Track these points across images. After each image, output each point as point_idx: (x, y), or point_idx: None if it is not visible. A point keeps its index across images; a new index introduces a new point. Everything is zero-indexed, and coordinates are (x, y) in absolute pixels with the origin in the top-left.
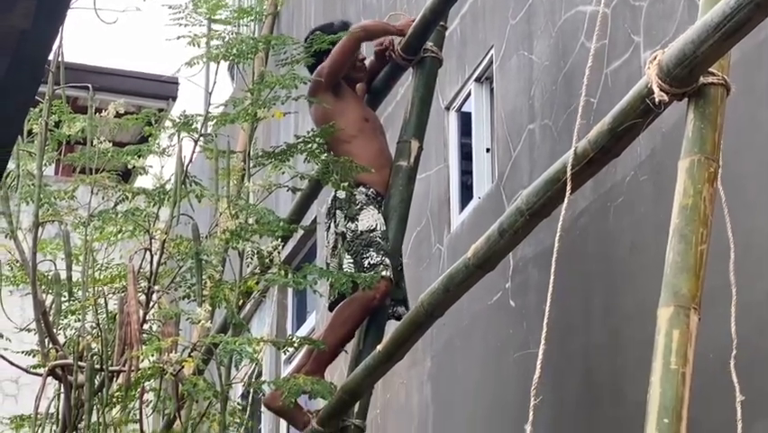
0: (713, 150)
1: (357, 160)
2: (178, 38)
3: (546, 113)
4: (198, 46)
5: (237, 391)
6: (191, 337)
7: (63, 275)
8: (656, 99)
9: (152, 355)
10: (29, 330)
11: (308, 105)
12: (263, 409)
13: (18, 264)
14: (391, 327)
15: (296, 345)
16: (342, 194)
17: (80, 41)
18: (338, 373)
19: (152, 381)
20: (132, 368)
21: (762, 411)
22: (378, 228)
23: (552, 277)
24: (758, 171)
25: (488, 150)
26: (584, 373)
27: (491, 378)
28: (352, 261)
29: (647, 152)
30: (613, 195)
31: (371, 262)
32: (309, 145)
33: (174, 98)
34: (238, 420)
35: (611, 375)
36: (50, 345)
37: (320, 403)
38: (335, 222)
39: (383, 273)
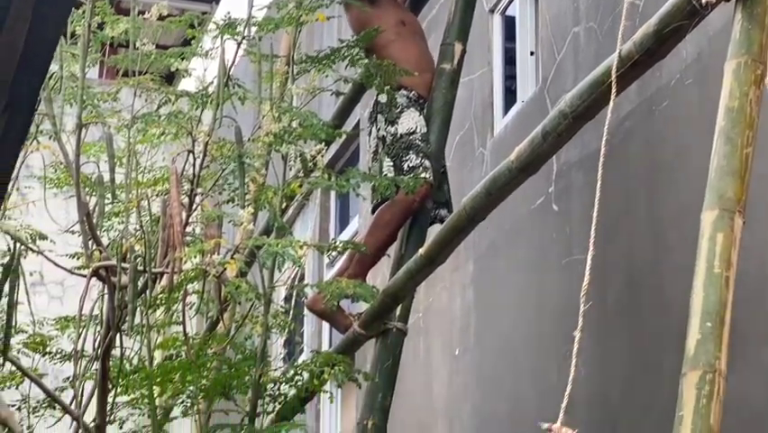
0: (760, 51)
1: (397, 63)
2: None
3: (591, 15)
4: None
5: (280, 294)
6: (234, 240)
7: (106, 177)
8: (703, 0)
9: (195, 257)
10: (73, 232)
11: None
12: (306, 311)
13: (62, 166)
14: (434, 231)
15: (339, 249)
16: (383, 97)
17: None
18: (380, 276)
19: (195, 283)
20: (176, 270)
21: None
22: (418, 131)
23: (599, 181)
24: None
25: (531, 53)
26: (627, 277)
27: (534, 283)
28: (391, 164)
29: (693, 55)
30: (658, 98)
31: (411, 165)
32: (352, 50)
33: (217, 1)
34: (281, 323)
35: (655, 279)
36: (94, 247)
37: (362, 306)
38: (377, 126)
39: (423, 176)
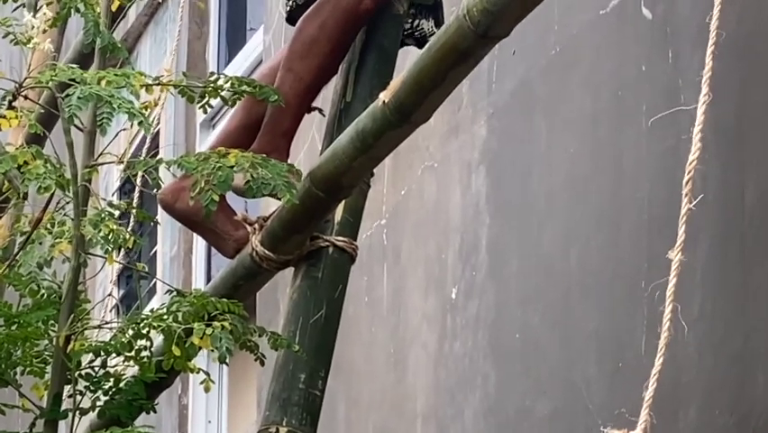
0: None
1: None
2: None
3: None
4: None
5: (109, 179)
6: (19, 72)
7: None
8: None
9: None
10: None
11: None
12: (160, 212)
13: None
14: (410, 59)
15: (225, 92)
16: None
17: None
18: (306, 146)
19: None
20: None
21: None
22: None
23: None
24: None
25: None
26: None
27: (606, 152)
28: None
29: None
30: None
31: None
32: None
33: None
34: (109, 235)
35: None
36: None
37: (268, 206)
38: None
39: None
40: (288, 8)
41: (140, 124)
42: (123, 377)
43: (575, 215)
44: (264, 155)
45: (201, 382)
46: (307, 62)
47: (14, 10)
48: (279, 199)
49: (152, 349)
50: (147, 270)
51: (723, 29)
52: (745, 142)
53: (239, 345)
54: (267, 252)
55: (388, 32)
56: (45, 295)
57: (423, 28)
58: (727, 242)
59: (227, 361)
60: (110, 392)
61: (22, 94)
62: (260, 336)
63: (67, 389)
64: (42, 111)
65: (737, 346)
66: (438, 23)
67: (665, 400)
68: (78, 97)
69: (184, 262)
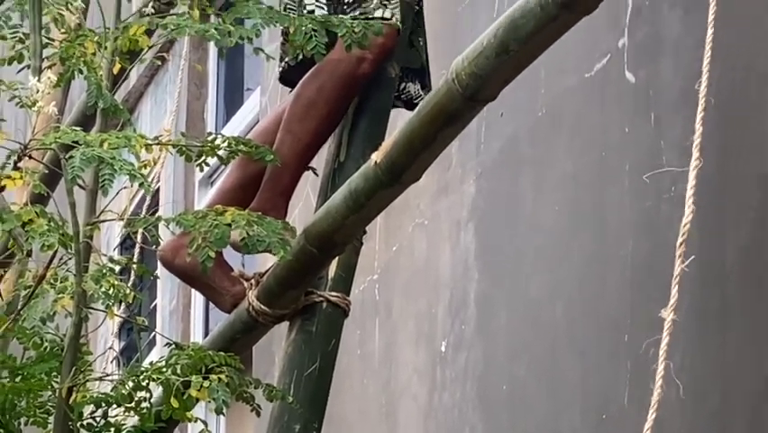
0: None
1: None
2: None
3: None
4: None
5: (110, 236)
6: (24, 135)
7: None
8: None
9: None
10: None
11: None
12: (160, 269)
13: None
14: (400, 121)
15: (222, 151)
16: None
17: None
18: (301, 204)
19: None
20: None
21: None
22: None
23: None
24: None
25: None
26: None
27: (587, 210)
28: None
29: None
30: None
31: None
32: None
33: None
34: (110, 291)
35: None
36: None
37: (264, 262)
38: None
39: (380, 15)
40: (281, 69)
41: (140, 185)
42: (124, 427)
43: (561, 271)
44: (262, 213)
45: None
46: (306, 124)
47: (19, 72)
48: (276, 255)
49: (152, 400)
50: (147, 323)
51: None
52: (726, 203)
53: (235, 397)
54: (263, 306)
55: (380, 95)
56: (48, 348)
57: (409, 91)
58: (708, 300)
59: (224, 412)
60: None
61: (27, 154)
62: (255, 387)
63: None
64: (46, 171)
65: (716, 402)
66: (424, 86)
67: None
68: (81, 159)
69: (182, 316)
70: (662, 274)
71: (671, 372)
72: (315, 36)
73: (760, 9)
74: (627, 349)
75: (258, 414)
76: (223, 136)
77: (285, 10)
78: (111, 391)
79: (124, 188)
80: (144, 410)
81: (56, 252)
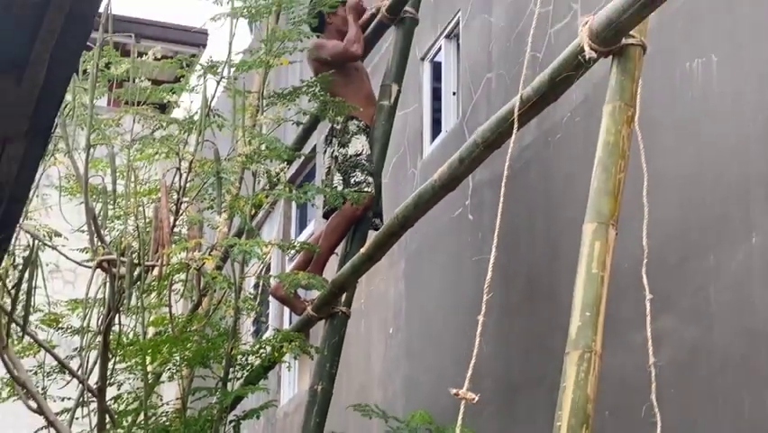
0: (631, 98)
1: (350, 100)
2: None
3: (501, 65)
4: (221, 5)
5: (249, 283)
6: (213, 240)
7: (110, 188)
8: (587, 56)
9: (180, 253)
10: (82, 231)
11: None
12: (270, 297)
13: (74, 178)
14: (372, 234)
15: (297, 248)
16: (338, 125)
17: None
18: (330, 269)
19: (180, 274)
20: (164, 263)
21: (665, 307)
22: (364, 153)
23: (501, 198)
24: (667, 116)
25: (454, 93)
26: (526, 275)
27: (452, 277)
28: (341, 178)
29: (581, 98)
30: (552, 132)
31: (357, 180)
32: (312, 88)
33: (204, 46)
34: (249, 306)
35: (547, 277)
36: (99, 244)
37: (315, 294)
38: (331, 148)
39: (366, 190)
40: (324, 211)
41: (261, 260)
42: (255, 365)
43: (441, 303)
44: (313, 273)
45: (287, 366)
46: (330, 238)
47: (211, 213)
48: (319, 291)
49: (266, 353)
50: (264, 319)
51: (504, 224)
52: (511, 267)
53: (302, 351)
54: (314, 313)
55: (364, 225)
56: (222, 330)
57: (376, 223)
58: None
59: (297, 358)
60: (249, 370)
61: (215, 247)
62: (310, 348)
63: (231, 370)
64: (222, 256)
65: (506, 361)
66: (382, 220)
67: None
68: (237, 250)
69: (280, 316)
70: None
71: (484, 348)
72: (338, 201)
73: None
74: (471, 338)
75: (312, 358)
76: (298, 241)
77: (323, 181)
78: (249, 349)
79: (255, 263)
80: (263, 356)
81: (226, 291)
